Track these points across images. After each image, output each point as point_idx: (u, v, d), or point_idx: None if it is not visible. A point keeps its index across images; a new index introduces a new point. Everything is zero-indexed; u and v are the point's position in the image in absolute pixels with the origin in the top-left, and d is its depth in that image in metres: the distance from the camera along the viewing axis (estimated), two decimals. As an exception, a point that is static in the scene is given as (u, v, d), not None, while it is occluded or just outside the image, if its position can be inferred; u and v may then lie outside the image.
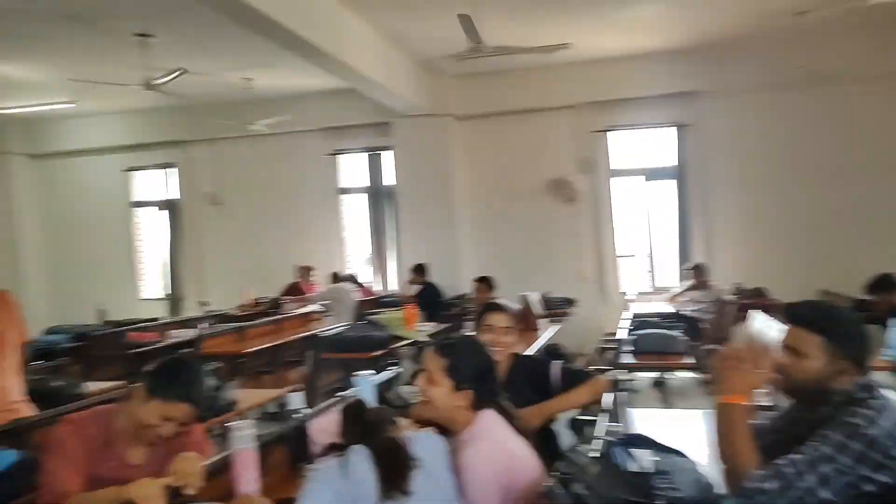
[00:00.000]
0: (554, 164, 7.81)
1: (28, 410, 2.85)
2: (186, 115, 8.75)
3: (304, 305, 7.39)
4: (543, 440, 2.12)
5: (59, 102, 8.14)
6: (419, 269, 7.37)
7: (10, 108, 8.26)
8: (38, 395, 3.11)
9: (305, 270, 8.10)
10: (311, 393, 4.95)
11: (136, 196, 9.71)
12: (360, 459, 1.46)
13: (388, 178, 8.49)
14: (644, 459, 1.54)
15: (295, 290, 8.01)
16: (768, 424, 1.72)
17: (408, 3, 5.67)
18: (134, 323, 6.57)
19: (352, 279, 7.79)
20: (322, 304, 7.28)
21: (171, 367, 1.81)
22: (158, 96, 6.85)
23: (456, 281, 7.71)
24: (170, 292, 9.38)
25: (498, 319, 2.55)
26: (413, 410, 2.53)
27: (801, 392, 1.63)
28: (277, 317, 6.44)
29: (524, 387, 2.37)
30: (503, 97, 7.85)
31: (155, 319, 7.10)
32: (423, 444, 1.57)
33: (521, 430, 1.77)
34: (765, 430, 1.67)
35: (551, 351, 4.47)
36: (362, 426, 1.57)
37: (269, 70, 7.17)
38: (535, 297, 5.67)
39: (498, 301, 4.74)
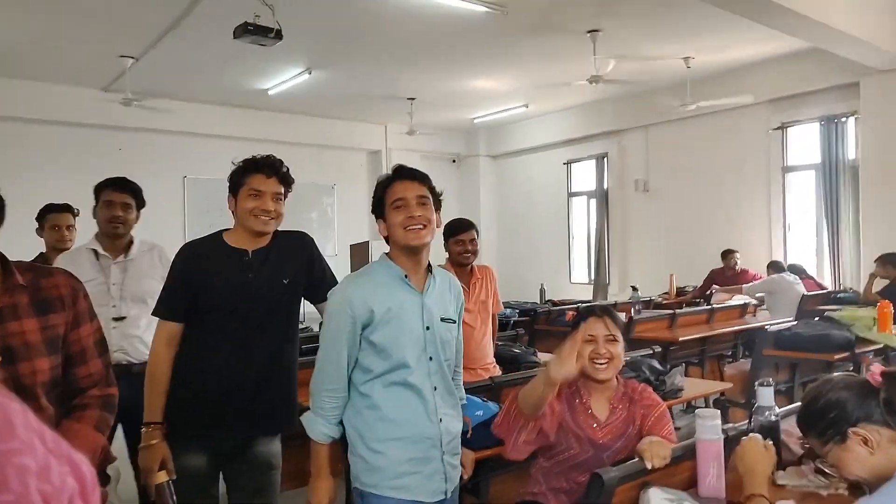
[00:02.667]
0: None
1: (497, 371, 3.30)
2: (621, 105, 9.06)
3: (733, 296, 6.85)
4: None
5: (515, 107, 9.44)
6: (889, 261, 6.01)
7: (481, 116, 9.97)
8: (500, 358, 3.59)
9: (728, 255, 7.50)
10: (750, 391, 4.55)
11: (573, 187, 10.51)
12: None
13: (848, 150, 7.17)
14: None
15: (718, 277, 7.51)
16: None
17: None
18: (568, 303, 7.12)
19: (795, 269, 6.86)
20: (757, 297, 6.63)
21: None
22: (598, 89, 7.28)
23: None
24: (595, 277, 9.87)
25: None
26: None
27: None
28: (710, 306, 6.10)
29: None
30: None
31: (587, 301, 7.56)
32: None
33: None
34: None
35: None
36: None
37: (710, 44, 6.84)
38: None
39: None
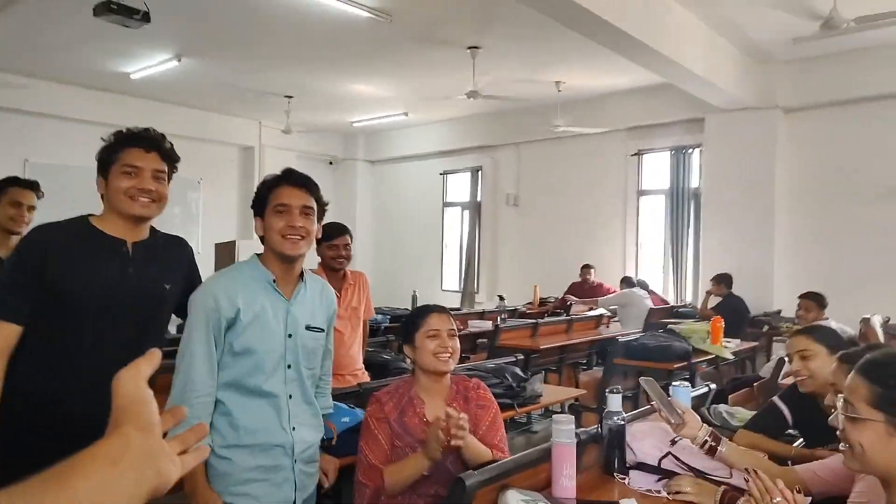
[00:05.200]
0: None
1: (365, 377, 3.30)
2: (496, 121, 9.40)
3: (592, 308, 7.35)
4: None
5: (395, 114, 9.49)
6: (722, 280, 6.74)
7: (360, 120, 9.91)
8: (370, 364, 3.59)
9: (585, 269, 8.07)
10: (601, 397, 4.89)
11: (448, 197, 10.73)
12: None
13: (693, 179, 7.95)
14: None
15: (577, 290, 8.03)
16: None
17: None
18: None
19: (643, 285, 7.49)
20: (610, 309, 7.15)
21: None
22: (475, 104, 7.50)
23: (764, 295, 6.89)
24: (464, 285, 10.15)
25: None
26: (738, 434, 2.31)
27: None
28: (569, 317, 6.48)
29: None
30: (849, 82, 6.59)
31: (457, 309, 7.74)
32: None
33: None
34: None
35: None
36: None
37: (579, 71, 7.29)
38: (877, 321, 4.75)
39: (827, 324, 4.09)
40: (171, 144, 1.81)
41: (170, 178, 1.80)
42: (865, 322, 4.66)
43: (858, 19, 4.36)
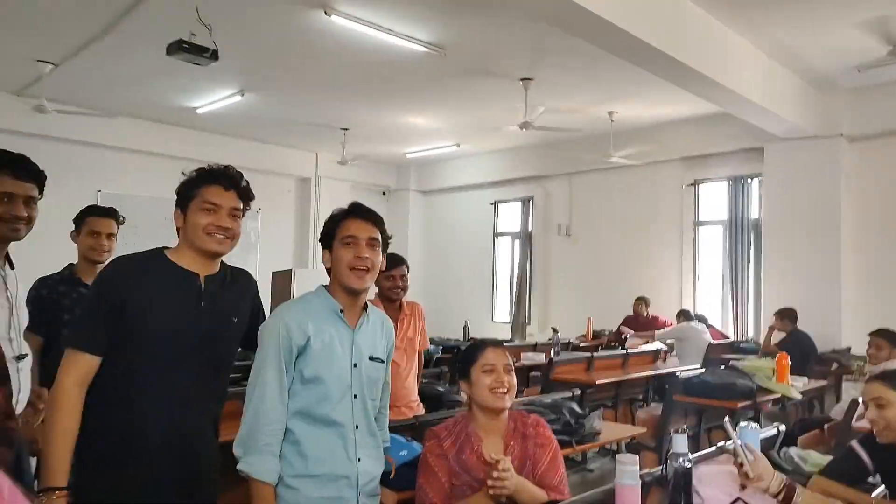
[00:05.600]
0: None
1: (421, 409, 3.28)
2: (548, 151, 9.39)
3: (648, 341, 7.16)
4: None
5: (447, 145, 9.61)
6: (787, 315, 6.47)
7: (413, 151, 10.08)
8: (425, 396, 3.57)
9: (640, 302, 7.88)
10: (661, 435, 4.72)
11: (499, 227, 10.73)
12: None
13: (752, 209, 7.72)
14: None
15: (631, 323, 7.84)
16: None
17: (803, 14, 5.10)
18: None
19: (702, 319, 7.26)
20: (667, 343, 6.95)
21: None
22: (527, 135, 7.52)
23: (831, 331, 6.58)
24: (515, 316, 10.05)
25: None
26: (813, 481, 2.18)
27: None
28: (626, 351, 6.33)
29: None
30: None
31: (509, 340, 7.67)
32: None
33: None
34: None
35: None
36: None
37: (633, 101, 7.25)
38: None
39: None
40: (248, 183, 1.84)
41: (243, 215, 1.83)
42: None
43: None
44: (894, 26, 4.16)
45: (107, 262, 1.97)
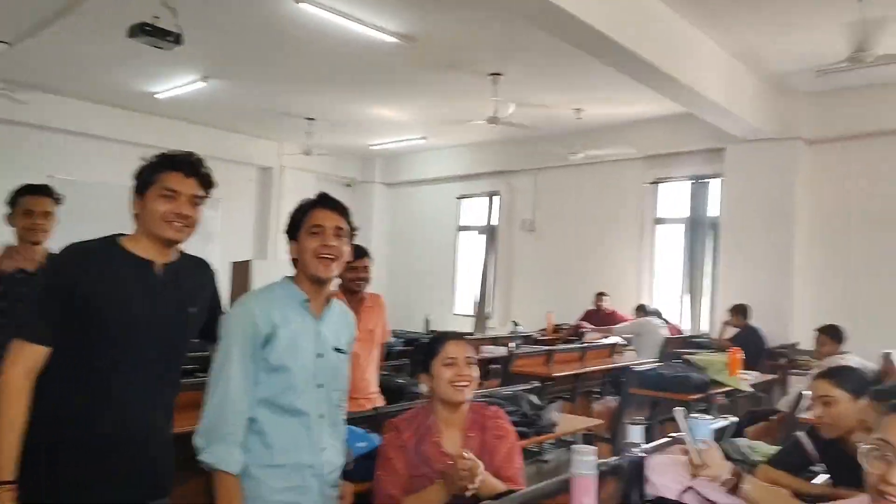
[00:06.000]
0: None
1: (381, 401, 3.28)
2: (514, 147, 9.44)
3: (606, 336, 7.29)
4: None
5: (414, 138, 9.58)
6: (740, 311, 6.68)
7: (378, 143, 10.02)
8: (385, 388, 3.58)
9: (600, 298, 8.02)
10: (616, 427, 4.83)
11: (463, 221, 10.76)
12: None
13: (712, 208, 7.91)
14: None
15: (591, 317, 7.97)
16: None
17: (767, 16, 5.22)
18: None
19: (657, 314, 7.43)
20: (625, 337, 7.09)
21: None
22: (494, 130, 7.53)
23: (783, 327, 6.81)
24: (478, 310, 10.11)
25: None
26: (759, 470, 2.27)
27: None
28: (584, 344, 6.43)
29: None
30: (875, 115, 6.60)
31: (470, 334, 7.71)
32: None
33: None
34: None
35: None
36: None
37: (599, 99, 7.33)
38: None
39: (848, 359, 4.02)
40: (210, 171, 1.80)
41: (204, 203, 1.79)
42: (887, 358, 4.58)
43: (884, 57, 4.37)
44: (854, 32, 4.30)
45: (55, 248, 1.91)
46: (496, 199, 10.17)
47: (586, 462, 1.69)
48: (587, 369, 5.66)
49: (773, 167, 7.07)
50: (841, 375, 2.24)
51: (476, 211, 10.58)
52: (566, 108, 7.67)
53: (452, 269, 10.74)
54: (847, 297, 6.71)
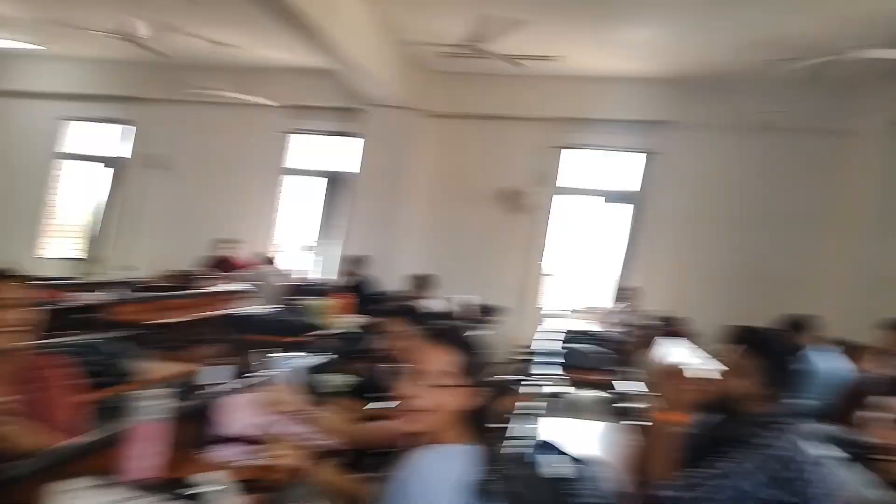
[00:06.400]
0: (510, 174, 7.84)
1: None
2: (150, 72, 8.39)
3: (232, 283, 7.10)
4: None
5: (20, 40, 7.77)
6: (356, 262, 7.22)
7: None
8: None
9: (228, 244, 7.84)
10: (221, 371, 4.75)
11: (70, 149, 9.17)
12: None
13: (349, 165, 8.30)
14: (562, 465, 1.57)
15: (219, 263, 7.71)
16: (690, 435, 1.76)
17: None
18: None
19: (274, 261, 7.60)
20: (252, 285, 7.02)
21: None
22: (121, 48, 6.52)
23: (388, 277, 7.60)
24: (85, 253, 8.82)
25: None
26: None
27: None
28: (200, 291, 6.14)
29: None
30: (478, 100, 7.83)
31: (62, 278, 6.62)
32: None
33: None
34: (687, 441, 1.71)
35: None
36: None
37: (247, 37, 7.01)
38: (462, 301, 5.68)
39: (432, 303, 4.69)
40: None
41: None
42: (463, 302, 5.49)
43: (490, 53, 5.05)
44: (481, 23, 4.80)
45: None
46: (126, 128, 8.92)
47: (152, 407, 1.59)
48: (201, 316, 5.42)
49: (401, 133, 7.80)
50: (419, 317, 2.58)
51: (93, 139, 9.11)
52: (205, 39, 6.97)
53: (40, 203, 9.13)
54: (444, 253, 7.81)
